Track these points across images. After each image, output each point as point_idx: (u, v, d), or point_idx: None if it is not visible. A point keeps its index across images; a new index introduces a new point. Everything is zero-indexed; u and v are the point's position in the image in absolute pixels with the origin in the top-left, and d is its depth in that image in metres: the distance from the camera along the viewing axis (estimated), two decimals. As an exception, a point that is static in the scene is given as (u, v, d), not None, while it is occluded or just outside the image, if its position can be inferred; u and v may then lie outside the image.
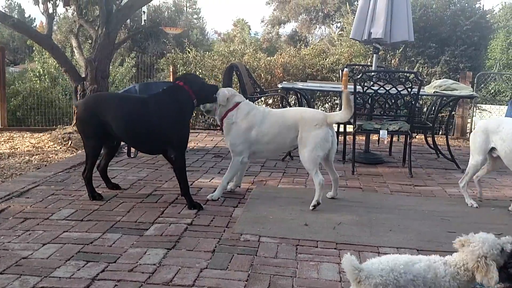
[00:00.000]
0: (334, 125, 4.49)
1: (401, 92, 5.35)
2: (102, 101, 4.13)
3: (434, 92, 5.87)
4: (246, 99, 6.18)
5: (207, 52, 11.89)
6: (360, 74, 5.45)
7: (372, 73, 5.67)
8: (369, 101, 5.59)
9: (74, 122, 8.01)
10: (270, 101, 10.58)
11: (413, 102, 5.52)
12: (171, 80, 9.96)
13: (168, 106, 3.94)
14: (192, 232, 3.45)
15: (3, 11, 7.60)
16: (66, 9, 8.49)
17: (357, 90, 5.36)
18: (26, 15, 28.60)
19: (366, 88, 5.38)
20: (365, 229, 3.60)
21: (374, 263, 2.14)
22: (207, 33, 29.27)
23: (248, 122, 4.21)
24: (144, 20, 12.71)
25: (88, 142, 4.13)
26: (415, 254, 3.13)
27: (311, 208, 3.98)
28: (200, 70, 10.93)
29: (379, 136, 5.76)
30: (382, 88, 5.37)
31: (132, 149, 5.81)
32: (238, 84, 6.42)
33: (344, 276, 2.80)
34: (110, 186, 4.46)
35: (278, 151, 4.78)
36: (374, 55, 6.54)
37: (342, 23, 16.07)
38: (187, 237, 3.35)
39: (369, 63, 9.12)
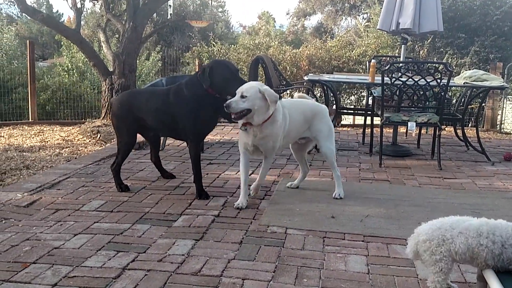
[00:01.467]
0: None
1: (430, 83, 5.25)
2: (135, 97, 4.26)
3: (464, 83, 5.75)
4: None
5: (232, 45, 11.91)
6: (388, 65, 5.37)
7: (400, 64, 5.57)
8: (397, 93, 5.50)
9: (103, 115, 8.16)
10: (295, 94, 10.55)
11: (442, 94, 5.41)
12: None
13: (183, 97, 3.97)
14: (219, 223, 3.47)
15: (32, 6, 7.75)
16: (94, 3, 8.66)
17: (384, 82, 5.29)
18: (54, 10, 29.06)
19: (394, 79, 5.30)
20: (393, 222, 3.56)
21: (428, 223, 2.35)
22: (232, 26, 29.31)
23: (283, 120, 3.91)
24: (170, 13, 12.80)
25: (122, 138, 4.25)
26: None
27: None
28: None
29: (407, 128, 5.67)
30: (410, 80, 5.28)
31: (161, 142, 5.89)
32: (264, 77, 6.41)
33: (371, 268, 2.79)
34: (165, 175, 4.64)
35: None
36: (402, 45, 6.43)
37: (368, 14, 15.85)
38: (214, 228, 3.37)
39: (397, 54, 9.00)
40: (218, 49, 11.30)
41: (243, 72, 10.57)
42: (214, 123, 4.24)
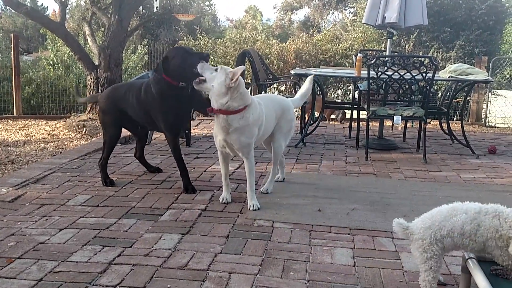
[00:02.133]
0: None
1: (416, 77, 5.29)
2: (117, 90, 4.28)
3: (449, 77, 5.80)
4: (258, 85, 6.23)
5: (219, 39, 11.88)
6: (374, 59, 5.39)
7: (386, 58, 5.60)
8: (383, 87, 5.54)
9: (88, 110, 8.09)
10: (282, 88, 10.57)
11: (427, 87, 5.46)
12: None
13: (150, 93, 3.94)
14: (206, 217, 3.47)
15: (17, -1, 7.66)
16: (79, -4, 8.51)
17: (370, 76, 5.32)
18: (39, 3, 28.68)
19: (380, 73, 5.33)
20: (379, 215, 3.59)
21: (419, 220, 2.34)
22: (219, 20, 29.17)
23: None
24: (156, 7, 12.68)
25: (107, 131, 4.29)
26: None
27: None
28: (212, 57, 10.93)
29: (393, 122, 5.71)
30: (396, 73, 5.32)
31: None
32: (251, 70, 6.40)
33: (357, 260, 2.81)
34: (151, 170, 4.63)
35: None
36: (388, 40, 6.46)
37: (355, 8, 15.90)
38: (201, 222, 3.37)
39: (383, 49, 9.03)
40: (205, 43, 11.25)
41: (230, 66, 10.56)
42: (186, 115, 4.24)
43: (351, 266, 2.75)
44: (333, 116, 8.87)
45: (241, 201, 3.84)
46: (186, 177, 4.05)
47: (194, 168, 4.78)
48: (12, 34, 9.01)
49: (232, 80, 3.38)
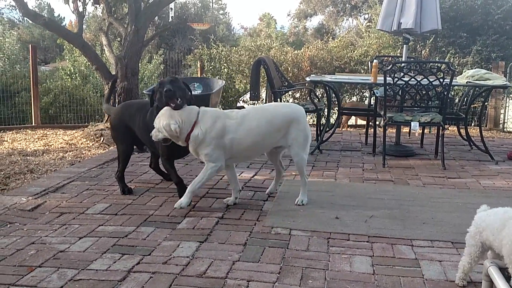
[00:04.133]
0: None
1: (433, 83, 5.25)
2: (129, 109, 4.33)
3: (466, 83, 5.74)
4: (274, 92, 6.24)
5: (234, 48, 11.93)
6: (390, 65, 5.37)
7: (403, 64, 5.57)
8: (400, 93, 5.50)
9: (106, 119, 8.18)
10: (297, 95, 10.57)
11: (445, 93, 5.41)
12: (199, 76, 10.06)
13: (154, 115, 3.91)
14: (223, 225, 3.47)
15: (34, 10, 7.79)
16: (96, 7, 8.64)
17: (387, 82, 5.29)
18: (56, 14, 29.21)
19: (396, 79, 5.30)
20: (398, 222, 3.56)
21: (482, 213, 2.59)
22: (233, 28, 29.36)
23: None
24: (172, 16, 12.84)
25: (119, 147, 4.40)
26: (450, 247, 3.11)
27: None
28: (226, 65, 10.98)
29: (410, 128, 5.66)
30: (413, 79, 5.28)
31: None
32: (266, 78, 6.42)
33: (377, 268, 2.78)
34: (168, 178, 4.62)
35: None
36: (404, 45, 6.42)
37: (370, 14, 15.86)
38: (218, 230, 3.38)
39: (398, 54, 8.99)
40: (219, 51, 11.31)
41: (244, 74, 10.59)
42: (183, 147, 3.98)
43: (370, 274, 2.72)
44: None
45: (257, 208, 3.83)
46: (182, 190, 3.92)
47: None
48: (30, 45, 9.16)
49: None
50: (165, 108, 3.70)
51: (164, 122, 3.63)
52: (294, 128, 3.84)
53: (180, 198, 3.84)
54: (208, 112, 3.76)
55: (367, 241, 3.20)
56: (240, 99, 10.86)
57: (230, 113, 3.81)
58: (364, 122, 7.11)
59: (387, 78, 5.28)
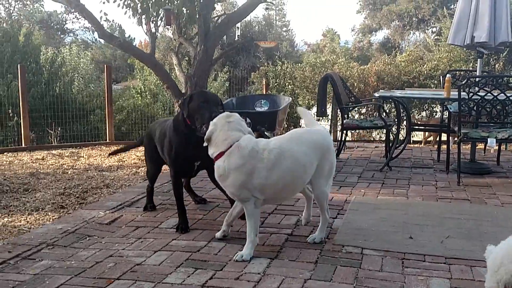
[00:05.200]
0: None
1: (510, 98, 5.00)
2: (154, 126, 4.28)
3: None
4: (341, 108, 6.19)
5: (298, 64, 11.97)
6: (465, 80, 5.18)
7: (478, 79, 5.35)
8: (475, 108, 5.28)
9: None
10: (363, 110, 10.40)
11: (524, 108, 5.14)
12: (264, 92, 10.16)
13: (167, 129, 3.92)
14: (292, 242, 3.46)
15: (109, 32, 8.25)
16: (167, 28, 8.98)
17: (462, 97, 5.10)
18: (126, 35, 30.68)
19: (471, 94, 5.10)
20: (476, 243, 3.39)
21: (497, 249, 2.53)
22: (297, 44, 29.50)
23: None
24: (238, 35, 13.10)
25: (146, 165, 4.53)
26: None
27: None
28: (290, 81, 11.03)
29: (485, 144, 5.42)
30: (489, 94, 5.06)
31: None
32: (333, 94, 6.38)
33: (457, 292, 2.66)
34: (197, 200, 4.55)
35: None
36: (478, 59, 6.19)
37: (438, 28, 15.41)
38: (288, 247, 3.37)
39: (471, 68, 8.65)
40: (284, 68, 11.39)
41: (309, 90, 10.57)
42: (194, 157, 3.84)
43: (449, 298, 2.61)
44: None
45: (327, 226, 3.78)
46: (182, 216, 3.81)
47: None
48: (105, 66, 9.64)
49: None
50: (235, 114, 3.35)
51: (216, 121, 3.28)
52: (324, 157, 3.39)
53: (176, 229, 3.73)
54: (243, 148, 3.14)
55: (444, 263, 3.08)
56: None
57: (261, 155, 3.17)
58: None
59: (462, 93, 5.09)
